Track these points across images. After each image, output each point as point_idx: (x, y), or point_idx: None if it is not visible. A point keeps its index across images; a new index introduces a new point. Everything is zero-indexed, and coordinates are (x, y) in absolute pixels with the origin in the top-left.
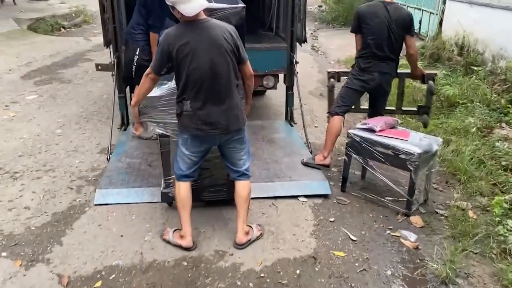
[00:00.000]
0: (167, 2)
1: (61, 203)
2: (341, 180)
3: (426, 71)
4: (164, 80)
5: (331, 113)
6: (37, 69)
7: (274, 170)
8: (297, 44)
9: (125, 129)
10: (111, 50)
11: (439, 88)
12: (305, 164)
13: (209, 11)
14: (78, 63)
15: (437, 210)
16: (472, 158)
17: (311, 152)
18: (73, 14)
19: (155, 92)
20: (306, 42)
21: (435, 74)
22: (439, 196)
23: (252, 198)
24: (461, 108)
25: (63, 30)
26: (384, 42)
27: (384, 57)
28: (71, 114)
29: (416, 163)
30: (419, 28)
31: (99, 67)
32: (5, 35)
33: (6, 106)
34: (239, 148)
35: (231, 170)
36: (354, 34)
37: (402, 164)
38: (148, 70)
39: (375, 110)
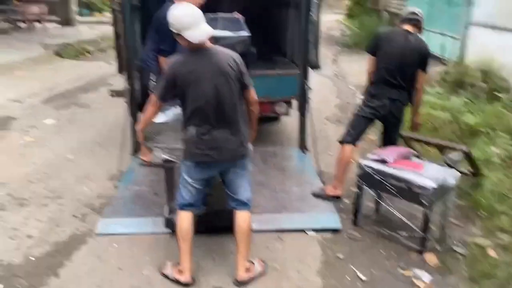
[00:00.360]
0: (172, 30)
1: (64, 232)
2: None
3: (454, 145)
4: (169, 106)
5: (341, 142)
6: (59, 94)
7: (282, 201)
8: (314, 69)
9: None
10: (125, 76)
11: (458, 115)
12: (315, 196)
13: (215, 39)
14: (99, 88)
15: (454, 248)
16: (493, 191)
17: (323, 182)
18: (99, 39)
19: (161, 117)
20: (320, 68)
21: (465, 152)
22: (457, 232)
23: (257, 231)
24: (483, 137)
25: (88, 55)
26: (396, 70)
27: (396, 85)
28: (85, 140)
29: (431, 198)
30: (442, 53)
31: (113, 94)
32: (32, 60)
33: (24, 130)
34: (242, 174)
35: (231, 198)
36: (368, 55)
37: (415, 199)
38: (153, 97)
39: (388, 139)
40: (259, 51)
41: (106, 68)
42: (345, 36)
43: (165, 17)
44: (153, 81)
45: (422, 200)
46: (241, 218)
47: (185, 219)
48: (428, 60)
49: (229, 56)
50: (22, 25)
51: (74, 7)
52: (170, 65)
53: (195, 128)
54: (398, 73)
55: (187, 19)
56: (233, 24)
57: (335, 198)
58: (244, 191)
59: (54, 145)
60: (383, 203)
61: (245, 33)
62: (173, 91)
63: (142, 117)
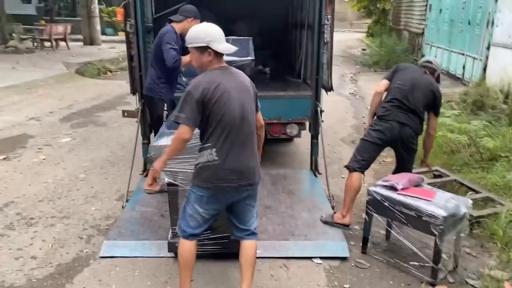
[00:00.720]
0: (197, 44)
1: (68, 253)
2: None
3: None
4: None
5: (348, 168)
6: (77, 112)
7: (289, 227)
8: (327, 91)
9: (146, 175)
10: (137, 97)
11: (477, 138)
12: (324, 222)
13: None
14: (116, 106)
15: (467, 280)
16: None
17: (333, 207)
18: (120, 58)
19: (165, 141)
20: (333, 90)
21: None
22: (472, 262)
23: (262, 258)
24: (502, 162)
25: (109, 73)
26: (409, 92)
27: (406, 108)
28: (98, 158)
29: (441, 227)
30: (463, 73)
31: (125, 114)
32: (54, 78)
33: (39, 148)
34: (253, 205)
35: (239, 228)
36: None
37: (425, 228)
38: (183, 127)
39: (400, 167)
40: (272, 71)
41: (125, 87)
42: (366, 55)
43: (165, 34)
44: (165, 111)
45: (433, 230)
46: (248, 246)
47: (188, 248)
48: (440, 103)
49: (247, 76)
50: (47, 44)
51: (98, 26)
52: (194, 86)
53: (215, 150)
54: (410, 95)
55: (216, 31)
56: (242, 46)
57: (343, 226)
58: (254, 221)
59: (67, 163)
60: (392, 231)
61: (249, 57)
62: (203, 112)
63: (168, 151)
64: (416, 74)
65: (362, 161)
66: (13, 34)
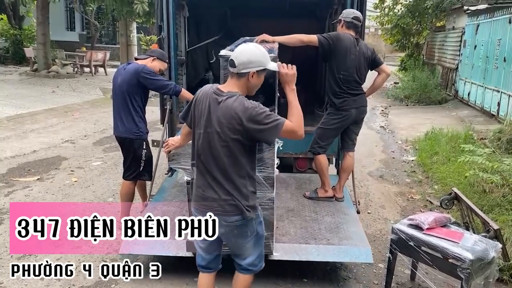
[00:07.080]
0: (251, 68)
1: (91, 277)
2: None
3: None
4: None
5: None
6: (110, 136)
7: (312, 230)
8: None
9: (171, 175)
10: (166, 126)
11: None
12: (309, 198)
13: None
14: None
15: None
16: None
17: (358, 212)
18: None
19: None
20: None
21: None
22: None
23: (283, 261)
24: None
25: None
26: None
27: None
28: None
29: (468, 270)
30: (497, 110)
31: (155, 143)
32: (90, 102)
33: (72, 171)
34: (243, 237)
35: (234, 260)
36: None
37: (451, 270)
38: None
39: None
40: (302, 103)
41: (157, 113)
42: (398, 88)
43: (140, 70)
44: (144, 149)
45: (459, 273)
46: (240, 278)
47: (202, 280)
48: None
49: None
50: (87, 69)
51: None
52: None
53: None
54: None
55: (266, 52)
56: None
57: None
58: (248, 255)
59: (96, 186)
60: (417, 272)
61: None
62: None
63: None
64: None
65: None
66: (56, 60)
